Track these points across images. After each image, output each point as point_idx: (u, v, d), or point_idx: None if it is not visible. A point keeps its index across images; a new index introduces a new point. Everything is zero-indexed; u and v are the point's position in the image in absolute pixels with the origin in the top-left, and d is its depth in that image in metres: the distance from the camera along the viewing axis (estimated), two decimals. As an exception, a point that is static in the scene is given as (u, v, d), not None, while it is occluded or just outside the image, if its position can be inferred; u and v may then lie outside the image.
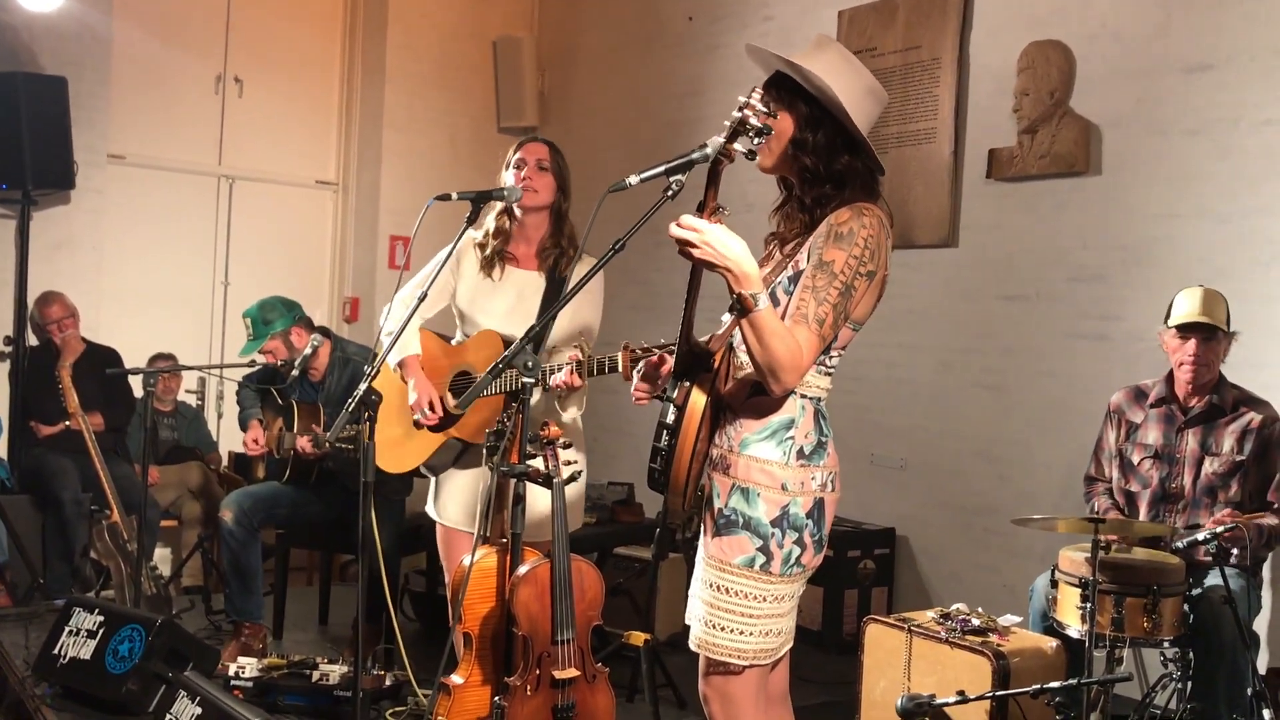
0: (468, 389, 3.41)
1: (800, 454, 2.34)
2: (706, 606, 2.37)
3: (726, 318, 2.43)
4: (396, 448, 3.60)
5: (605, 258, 2.72)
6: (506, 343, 3.44)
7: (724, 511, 2.35)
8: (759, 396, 2.34)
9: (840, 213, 2.32)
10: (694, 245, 2.19)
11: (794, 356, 2.23)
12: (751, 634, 2.34)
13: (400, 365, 3.55)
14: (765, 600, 2.34)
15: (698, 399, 2.34)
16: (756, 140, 2.23)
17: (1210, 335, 3.60)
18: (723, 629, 2.35)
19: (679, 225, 2.21)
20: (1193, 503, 3.63)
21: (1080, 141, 4.64)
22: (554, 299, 3.50)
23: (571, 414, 3.46)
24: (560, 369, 3.25)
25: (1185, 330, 3.63)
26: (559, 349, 3.52)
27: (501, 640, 3.12)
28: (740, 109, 2.18)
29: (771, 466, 2.33)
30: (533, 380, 2.88)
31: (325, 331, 4.93)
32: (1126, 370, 4.27)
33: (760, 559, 2.32)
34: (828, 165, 2.36)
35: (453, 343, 3.68)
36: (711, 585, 2.36)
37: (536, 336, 3.31)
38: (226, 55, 7.04)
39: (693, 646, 2.41)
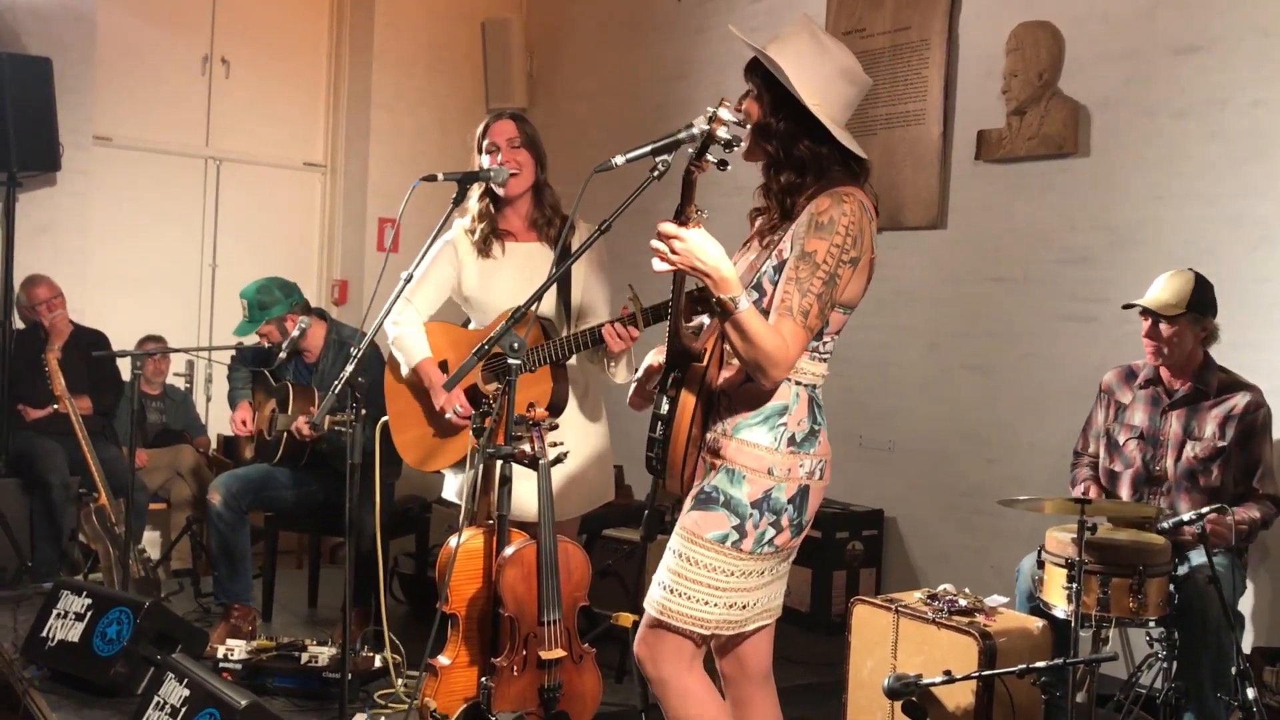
0: (501, 371, 3.41)
1: (791, 441, 2.36)
2: (670, 573, 2.39)
3: (706, 319, 2.47)
4: (425, 446, 3.61)
5: (591, 238, 2.72)
6: (537, 318, 3.43)
7: (705, 488, 2.37)
8: (753, 383, 2.35)
9: (820, 200, 2.31)
10: (673, 251, 2.23)
11: (780, 351, 2.25)
12: (716, 605, 2.37)
13: (414, 372, 3.56)
14: (733, 575, 2.36)
15: (690, 388, 2.38)
16: (728, 150, 2.23)
17: (1158, 318, 3.61)
18: (686, 597, 2.37)
19: (658, 235, 2.24)
20: (1175, 485, 3.64)
21: (1069, 123, 4.64)
22: (569, 270, 3.53)
23: (623, 376, 3.45)
24: (598, 330, 3.27)
25: (1140, 312, 3.68)
26: (585, 318, 3.54)
27: (488, 621, 3.13)
28: (708, 121, 2.19)
29: (760, 451, 2.35)
30: (519, 361, 2.88)
31: (321, 314, 4.92)
32: (1113, 352, 4.28)
33: (734, 536, 2.34)
34: (787, 151, 2.36)
35: (471, 328, 3.70)
36: (678, 554, 2.38)
37: (522, 318, 3.30)
38: (213, 36, 7.01)
39: (648, 607, 2.42)
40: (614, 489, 3.78)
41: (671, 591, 2.38)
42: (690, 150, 2.25)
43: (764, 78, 2.37)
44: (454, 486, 3.67)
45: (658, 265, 2.27)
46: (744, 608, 2.40)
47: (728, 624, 2.40)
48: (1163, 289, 3.65)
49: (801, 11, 5.50)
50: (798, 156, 2.36)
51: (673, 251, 2.23)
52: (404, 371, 3.61)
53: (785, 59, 2.32)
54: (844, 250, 2.29)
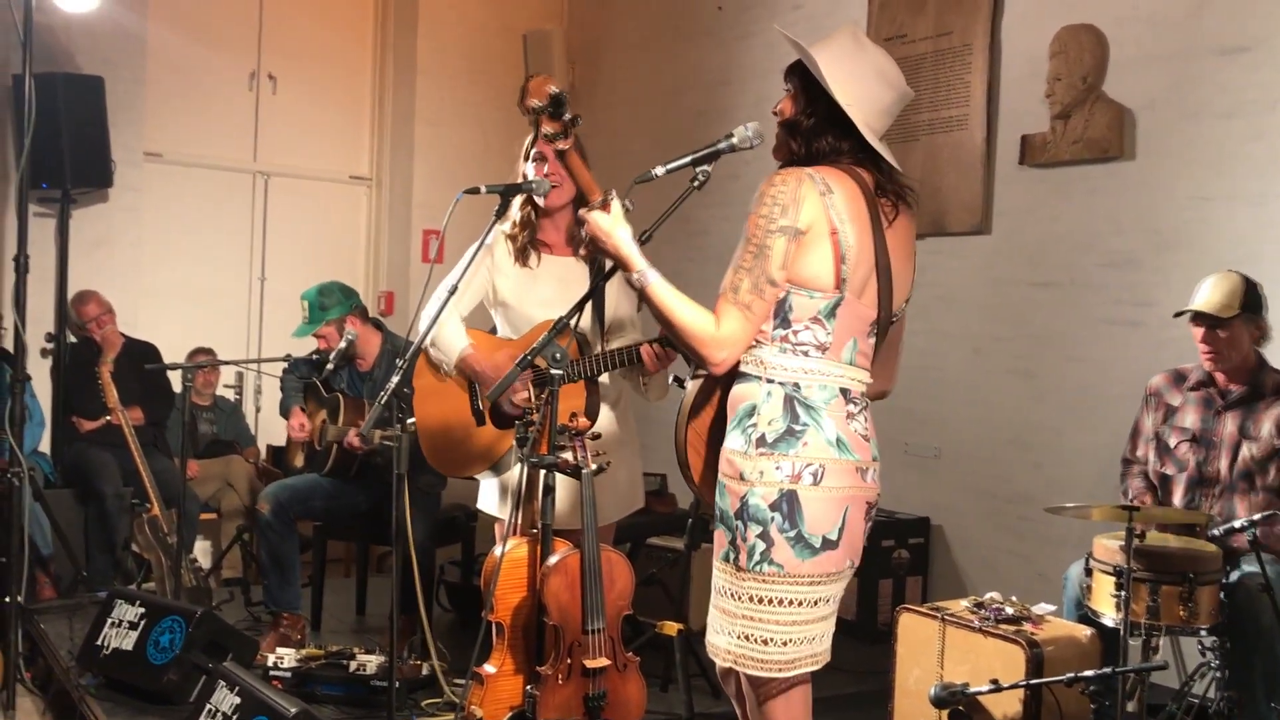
0: (540, 380, 3.42)
1: (761, 441, 2.23)
2: (710, 603, 2.37)
3: None
4: (452, 451, 3.60)
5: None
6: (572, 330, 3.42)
7: (715, 509, 2.34)
8: (736, 386, 2.32)
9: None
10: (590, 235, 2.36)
11: (703, 328, 2.23)
12: (730, 634, 2.29)
13: (460, 364, 3.51)
14: (739, 599, 2.26)
15: (692, 386, 2.42)
16: (556, 114, 2.50)
17: (1214, 323, 3.55)
18: (710, 624, 2.35)
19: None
20: (1229, 487, 3.59)
21: (1113, 126, 4.59)
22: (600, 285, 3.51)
23: (657, 395, 3.46)
24: (636, 349, 3.28)
25: (1192, 319, 3.61)
26: (613, 336, 3.54)
27: (533, 630, 3.14)
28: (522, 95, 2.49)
29: (735, 456, 2.27)
30: (560, 372, 2.90)
31: (378, 324, 4.96)
32: (1160, 356, 4.23)
33: (732, 553, 2.26)
34: (808, 147, 2.33)
35: (498, 336, 3.69)
36: (713, 582, 2.36)
37: (564, 328, 3.32)
38: (260, 52, 7.11)
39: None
40: (643, 497, 3.77)
41: (709, 624, 2.36)
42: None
43: (802, 78, 2.35)
44: (491, 498, 3.65)
45: (581, 251, 2.39)
46: (764, 642, 2.25)
47: (749, 660, 2.27)
48: (1212, 291, 3.59)
49: (844, 17, 5.54)
50: (817, 150, 2.32)
51: (588, 236, 2.36)
52: (448, 368, 3.57)
53: (822, 55, 2.30)
54: (770, 220, 2.21)
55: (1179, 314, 3.67)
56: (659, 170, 2.43)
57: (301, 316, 4.82)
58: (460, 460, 3.61)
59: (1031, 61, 4.90)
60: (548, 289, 3.53)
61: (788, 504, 2.22)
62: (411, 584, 4.50)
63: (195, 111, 6.87)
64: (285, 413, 4.95)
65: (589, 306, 3.44)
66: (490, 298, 3.62)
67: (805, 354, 2.27)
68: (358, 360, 4.83)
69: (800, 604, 2.26)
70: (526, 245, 3.55)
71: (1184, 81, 4.41)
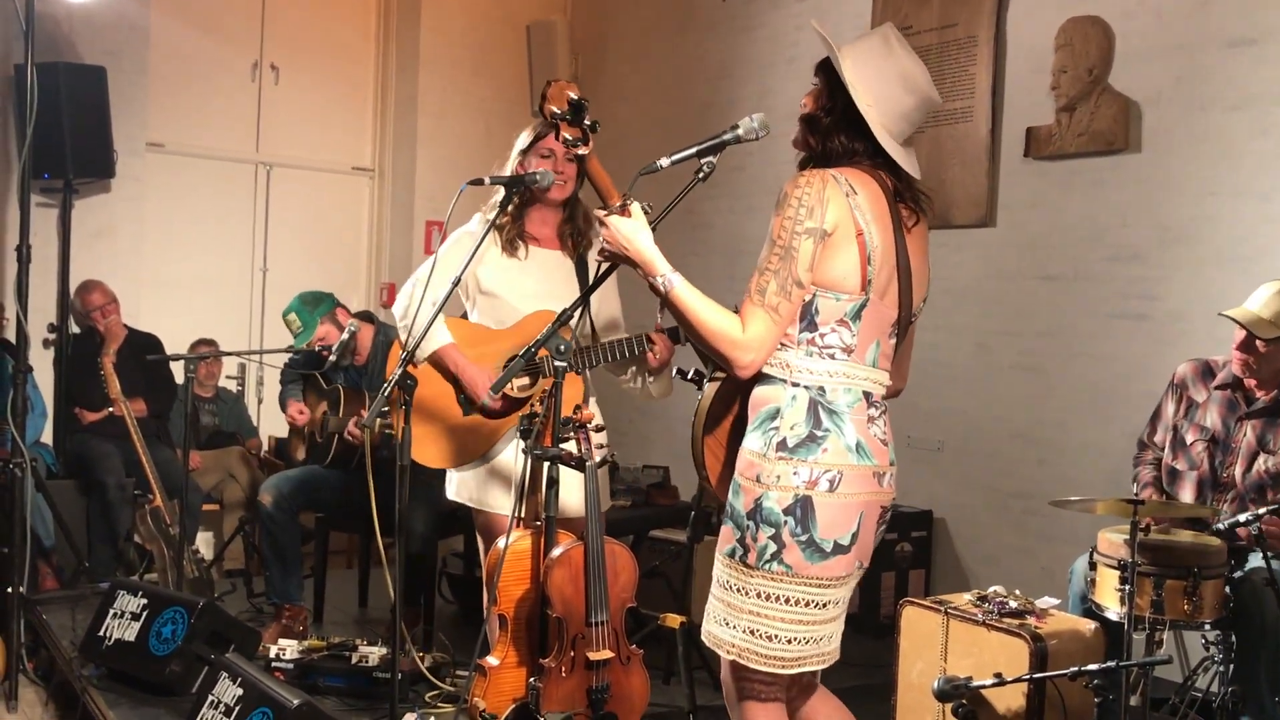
0: (532, 371, 3.40)
1: (781, 446, 2.23)
2: (710, 596, 2.37)
3: None
4: (443, 441, 3.53)
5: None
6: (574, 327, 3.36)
7: (726, 505, 2.34)
8: (757, 386, 2.31)
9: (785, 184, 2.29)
10: (605, 240, 2.32)
11: (729, 330, 2.20)
12: (735, 628, 2.29)
13: (437, 357, 3.43)
14: (747, 594, 2.26)
15: (710, 387, 2.40)
16: (580, 130, 2.45)
17: (1257, 334, 3.49)
18: (711, 616, 2.34)
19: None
20: (1242, 495, 3.55)
21: (1119, 119, 4.58)
22: (587, 281, 3.48)
23: (660, 390, 3.44)
24: (633, 341, 3.24)
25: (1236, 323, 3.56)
26: (603, 335, 3.52)
27: (536, 622, 3.14)
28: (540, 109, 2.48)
29: (754, 457, 2.26)
30: (564, 364, 2.89)
31: (368, 316, 4.95)
32: (1166, 350, 4.22)
33: (740, 550, 2.26)
34: (824, 145, 2.32)
35: (474, 323, 3.64)
36: (715, 574, 2.36)
37: (570, 321, 3.31)
38: (263, 43, 7.10)
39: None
40: (609, 495, 3.76)
41: (707, 610, 2.36)
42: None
43: (828, 74, 2.34)
44: (467, 487, 3.55)
45: (598, 255, 2.38)
46: (770, 639, 2.26)
47: (753, 655, 2.27)
48: (1264, 305, 3.52)
49: (848, 10, 5.52)
50: (829, 149, 2.32)
51: (605, 241, 2.31)
52: (419, 356, 3.41)
53: (848, 54, 2.29)
54: (797, 222, 2.20)
55: (1223, 315, 3.59)
56: (664, 161, 2.42)
57: (293, 330, 4.77)
58: (442, 452, 3.50)
59: (1036, 53, 4.88)
60: (533, 282, 3.49)
61: (802, 509, 2.22)
62: (413, 576, 4.52)
63: (197, 102, 6.87)
64: (283, 406, 4.94)
65: (576, 297, 3.42)
66: (470, 286, 3.56)
67: (831, 356, 2.27)
68: (354, 354, 4.81)
69: (808, 604, 2.27)
70: (515, 237, 3.52)
71: (1190, 74, 4.40)
